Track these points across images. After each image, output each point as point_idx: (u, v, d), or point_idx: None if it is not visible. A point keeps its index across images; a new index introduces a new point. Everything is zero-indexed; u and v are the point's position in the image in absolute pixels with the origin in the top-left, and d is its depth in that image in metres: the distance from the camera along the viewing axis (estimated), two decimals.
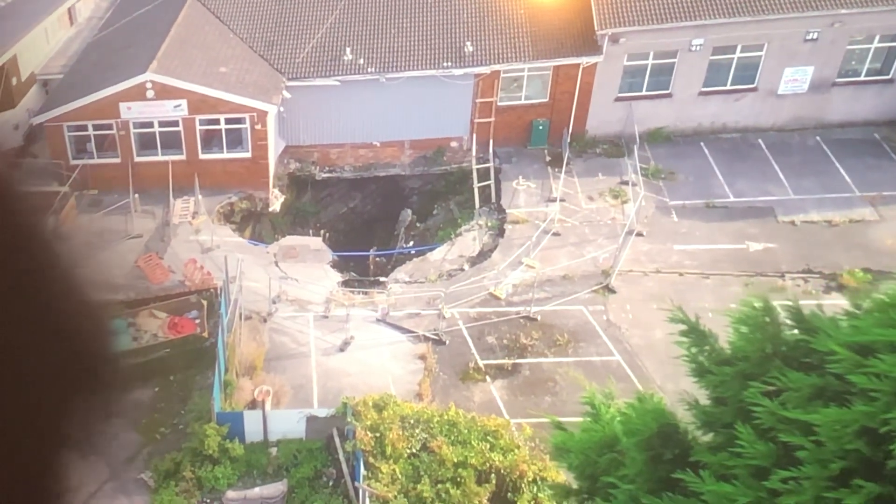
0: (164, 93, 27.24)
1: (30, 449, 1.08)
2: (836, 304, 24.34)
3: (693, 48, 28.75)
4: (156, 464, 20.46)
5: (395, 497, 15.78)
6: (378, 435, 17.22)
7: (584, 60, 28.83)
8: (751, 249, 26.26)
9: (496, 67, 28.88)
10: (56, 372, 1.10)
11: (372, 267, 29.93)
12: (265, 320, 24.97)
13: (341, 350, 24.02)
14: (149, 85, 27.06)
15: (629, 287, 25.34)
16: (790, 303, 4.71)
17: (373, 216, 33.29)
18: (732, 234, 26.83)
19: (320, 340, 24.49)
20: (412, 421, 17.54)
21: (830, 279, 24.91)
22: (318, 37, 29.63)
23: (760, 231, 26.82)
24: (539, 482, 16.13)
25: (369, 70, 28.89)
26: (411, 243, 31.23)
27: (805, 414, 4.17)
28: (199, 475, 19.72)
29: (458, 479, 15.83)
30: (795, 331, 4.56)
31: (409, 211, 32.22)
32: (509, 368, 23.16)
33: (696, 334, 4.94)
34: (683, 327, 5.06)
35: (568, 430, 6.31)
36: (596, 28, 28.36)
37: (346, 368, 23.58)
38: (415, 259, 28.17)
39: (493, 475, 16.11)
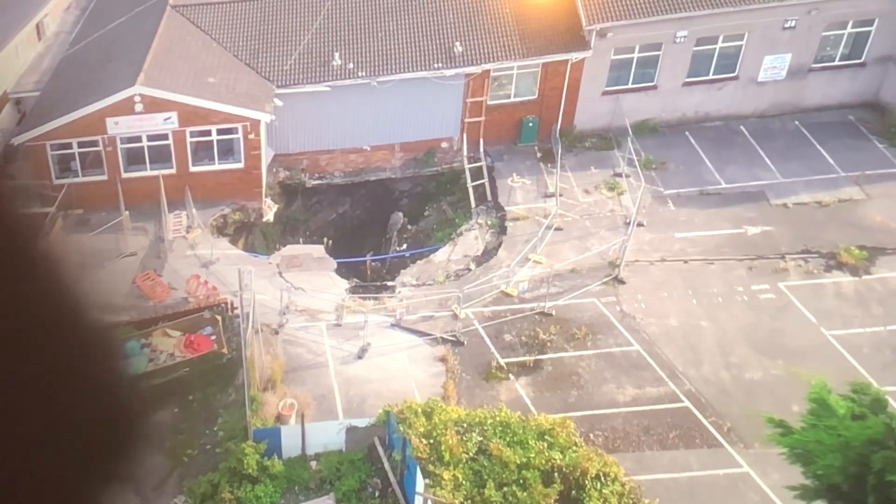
0: (153, 106, 26.52)
1: (51, 482, 1.04)
2: (840, 281, 25.05)
3: (678, 40, 29.32)
4: (190, 487, 19.95)
5: (462, 503, 15.74)
6: (432, 441, 17.12)
7: (573, 56, 29.12)
8: (749, 233, 26.92)
9: (487, 67, 28.95)
10: (71, 399, 1.05)
11: (368, 272, 29.69)
12: (276, 332, 24.58)
13: (359, 357, 23.80)
14: (137, 98, 26.31)
15: (637, 277, 25.72)
16: None
17: (363, 221, 32.96)
18: (729, 219, 27.45)
19: (336, 349, 24.22)
20: (465, 425, 17.50)
21: (829, 258, 25.70)
22: (304, 43, 29.22)
23: (756, 215, 27.50)
24: (602, 478, 16.29)
25: (360, 74, 28.63)
26: (405, 246, 31.06)
27: None
28: (239, 496, 19.30)
29: (523, 482, 15.85)
30: None
31: (401, 214, 32.03)
32: (531, 365, 23.27)
33: None
34: None
35: (795, 430, 6.39)
36: (583, 24, 28.68)
37: (367, 375, 23.37)
38: (419, 261, 28.04)
39: (556, 475, 16.18)
